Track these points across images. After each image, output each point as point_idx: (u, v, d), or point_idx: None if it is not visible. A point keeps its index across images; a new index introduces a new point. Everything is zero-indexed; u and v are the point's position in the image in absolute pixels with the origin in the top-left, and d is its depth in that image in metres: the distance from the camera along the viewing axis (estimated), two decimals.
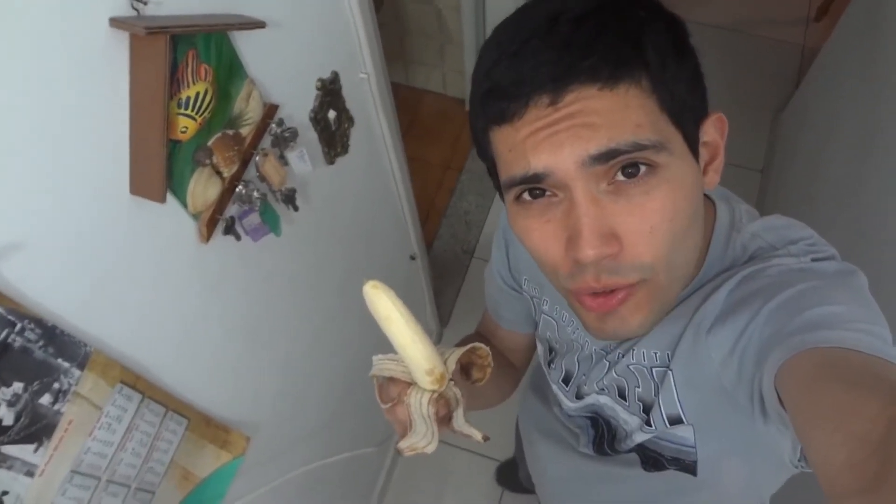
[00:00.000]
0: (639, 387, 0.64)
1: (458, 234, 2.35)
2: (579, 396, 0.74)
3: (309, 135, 0.95)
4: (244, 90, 0.74)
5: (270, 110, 0.80)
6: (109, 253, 0.62)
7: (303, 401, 1.17)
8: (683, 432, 0.62)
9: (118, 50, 0.56)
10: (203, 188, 0.70)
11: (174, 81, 0.61)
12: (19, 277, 0.53)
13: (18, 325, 0.52)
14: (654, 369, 0.61)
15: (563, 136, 0.45)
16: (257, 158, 0.79)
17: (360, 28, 1.02)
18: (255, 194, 0.79)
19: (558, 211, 0.49)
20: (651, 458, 0.69)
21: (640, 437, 0.67)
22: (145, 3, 0.57)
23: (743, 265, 0.57)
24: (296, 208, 0.91)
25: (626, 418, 0.68)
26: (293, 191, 0.89)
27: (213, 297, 0.81)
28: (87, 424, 0.62)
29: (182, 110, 0.63)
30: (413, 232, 1.59)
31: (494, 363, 0.53)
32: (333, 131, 1.01)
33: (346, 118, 1.05)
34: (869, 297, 0.51)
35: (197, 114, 0.65)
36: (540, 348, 0.83)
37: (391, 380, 0.49)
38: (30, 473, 0.57)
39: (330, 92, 0.97)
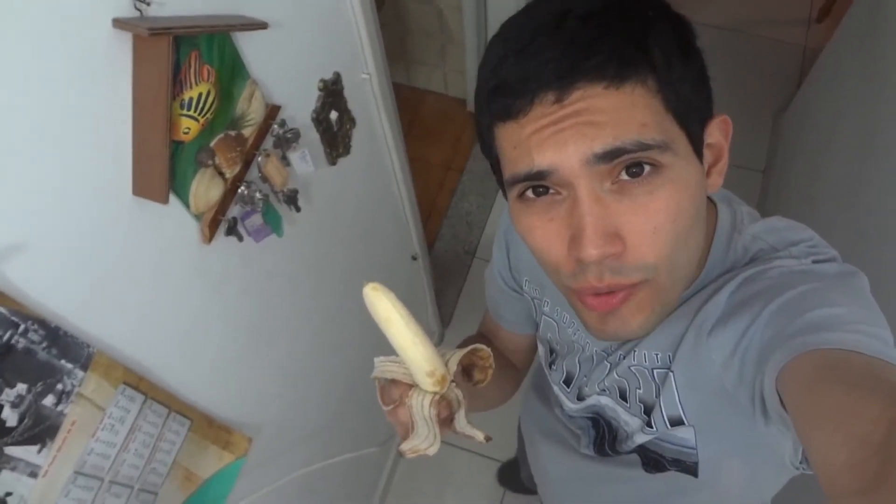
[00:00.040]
0: (640, 388, 0.64)
1: (459, 234, 2.35)
2: (580, 398, 0.74)
3: (311, 135, 0.95)
4: (246, 91, 0.74)
5: (272, 111, 0.81)
6: (112, 254, 0.62)
7: (304, 401, 1.17)
8: (684, 433, 0.62)
9: (121, 51, 0.57)
10: (205, 189, 0.70)
11: (177, 82, 0.61)
12: (22, 278, 0.53)
13: (22, 327, 0.53)
14: (655, 371, 0.62)
15: (568, 134, 0.45)
16: (259, 159, 0.79)
17: (361, 28, 1.02)
18: (258, 195, 0.79)
19: (562, 209, 0.49)
20: (652, 460, 0.69)
21: (641, 439, 0.67)
22: (148, 4, 0.57)
23: (744, 267, 0.57)
24: (298, 209, 0.91)
25: (628, 419, 0.68)
26: (295, 191, 0.89)
27: (216, 297, 0.81)
28: (90, 425, 0.62)
29: (185, 111, 0.63)
30: (414, 232, 1.59)
31: (496, 364, 0.53)
32: (335, 132, 1.02)
33: (347, 119, 1.05)
34: (870, 299, 0.51)
35: (199, 115, 0.65)
36: (541, 349, 0.83)
37: (393, 382, 0.49)
38: (33, 474, 0.57)
39: (332, 92, 0.97)
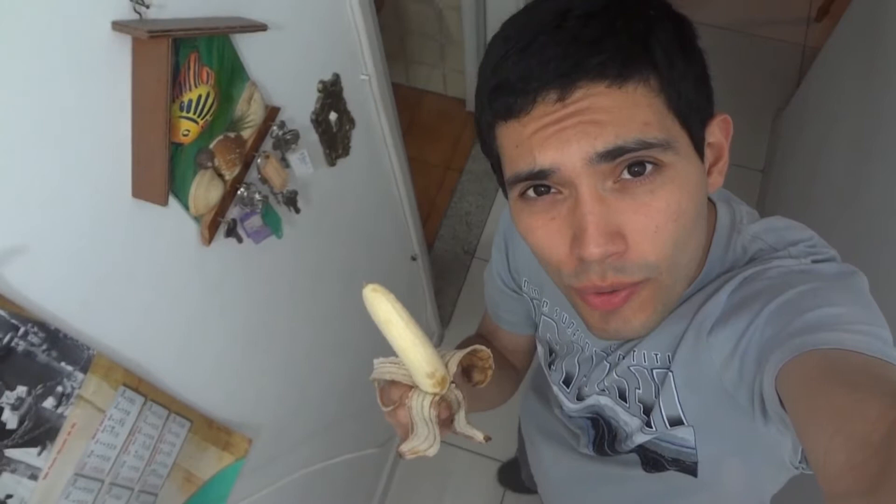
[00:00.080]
0: (639, 388, 0.64)
1: (458, 234, 2.35)
2: (580, 398, 0.74)
3: (310, 137, 0.95)
4: (246, 93, 0.74)
5: (272, 113, 0.81)
6: (112, 256, 0.62)
7: (304, 402, 1.17)
8: (684, 433, 0.63)
9: (120, 53, 0.57)
10: (205, 191, 0.70)
11: (176, 84, 0.61)
12: (22, 281, 0.53)
13: (22, 329, 0.53)
14: (654, 371, 0.62)
15: (570, 133, 0.45)
16: (259, 161, 0.79)
17: (361, 30, 1.02)
18: (257, 196, 0.79)
19: (563, 208, 0.49)
20: (651, 459, 0.69)
21: (640, 438, 0.67)
22: (147, 7, 0.57)
23: (743, 267, 0.57)
24: (297, 210, 0.91)
25: (627, 419, 0.68)
26: (294, 193, 0.89)
27: (215, 299, 0.81)
28: (90, 427, 0.62)
29: (184, 113, 0.63)
30: (414, 232, 1.59)
31: (495, 365, 0.53)
32: (335, 133, 1.02)
33: (347, 120, 1.05)
34: (869, 298, 0.51)
35: (199, 117, 0.65)
36: (540, 350, 0.83)
37: (392, 383, 0.49)
38: (33, 477, 0.57)
39: (331, 94, 0.97)
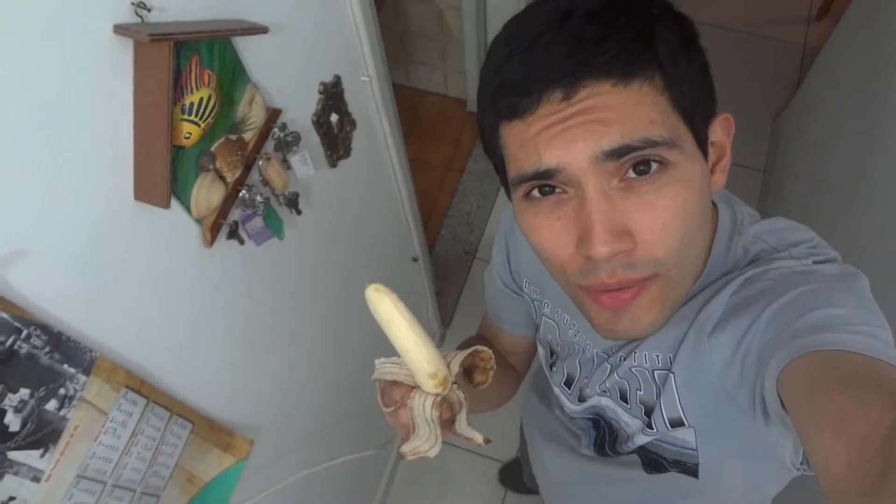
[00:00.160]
0: (640, 389, 0.64)
1: (460, 234, 2.35)
2: (581, 399, 0.74)
3: (311, 138, 0.96)
4: (247, 95, 0.74)
5: (273, 115, 0.81)
6: (114, 258, 0.63)
7: (305, 403, 1.17)
8: (685, 435, 0.63)
9: (122, 56, 0.57)
10: (206, 193, 0.70)
11: (178, 87, 0.61)
12: (25, 284, 0.53)
13: (24, 332, 0.53)
14: (655, 372, 0.62)
15: (576, 132, 0.45)
16: (260, 163, 0.79)
17: (361, 31, 1.02)
18: (259, 198, 0.79)
19: (568, 208, 0.49)
20: (652, 460, 0.69)
21: (641, 440, 0.67)
22: (149, 10, 0.57)
23: (745, 268, 0.57)
24: (298, 212, 0.91)
25: (628, 420, 0.68)
26: (296, 194, 0.89)
27: (217, 300, 0.81)
28: (92, 429, 0.63)
29: (186, 116, 0.63)
30: (415, 233, 1.59)
31: (496, 366, 0.53)
32: (336, 134, 1.02)
33: (348, 121, 1.05)
34: (870, 299, 0.51)
35: (200, 119, 0.65)
36: (541, 351, 0.83)
37: (394, 383, 0.49)
38: (36, 479, 0.57)
39: (332, 95, 0.97)
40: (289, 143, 0.85)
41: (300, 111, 0.90)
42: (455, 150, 2.52)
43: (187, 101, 0.63)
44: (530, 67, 0.46)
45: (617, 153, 0.45)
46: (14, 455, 0.54)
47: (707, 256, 0.58)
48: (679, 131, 0.47)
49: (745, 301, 0.53)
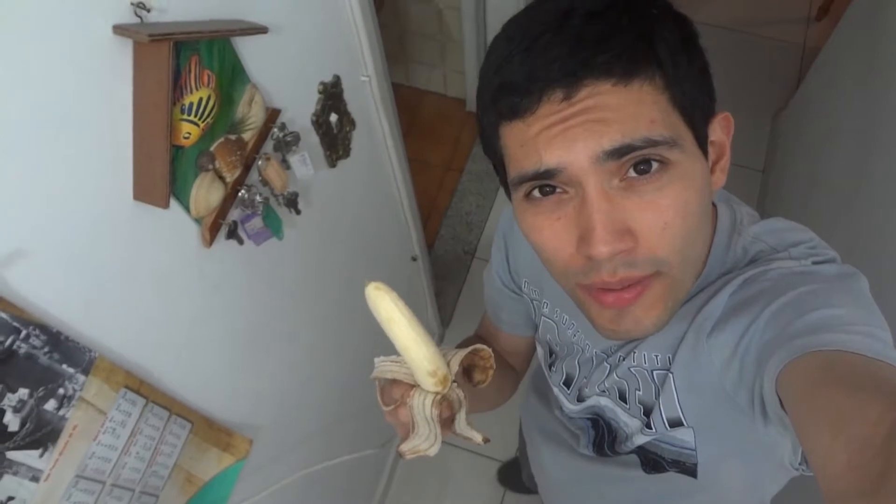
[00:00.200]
0: (639, 389, 0.64)
1: (459, 234, 2.35)
2: (580, 399, 0.74)
3: (311, 138, 0.96)
4: (246, 95, 0.74)
5: (272, 115, 0.81)
6: (113, 258, 0.63)
7: (304, 403, 1.17)
8: (684, 435, 0.63)
9: (122, 57, 0.57)
10: (206, 193, 0.70)
11: (177, 87, 0.61)
12: (24, 284, 0.53)
13: (23, 332, 0.53)
14: (654, 372, 0.62)
15: (576, 131, 0.45)
16: (259, 163, 0.79)
17: (361, 31, 1.02)
18: (258, 198, 0.79)
19: (569, 208, 0.49)
20: (651, 460, 0.69)
21: (640, 440, 0.67)
22: (148, 11, 0.57)
23: (744, 268, 0.57)
24: (298, 212, 0.91)
25: (627, 420, 0.68)
26: (295, 194, 0.89)
27: (216, 300, 0.81)
28: (91, 429, 0.63)
29: (185, 116, 0.63)
30: (414, 233, 1.59)
31: (495, 365, 0.53)
32: (335, 134, 1.02)
33: (347, 121, 1.05)
34: (870, 300, 0.51)
35: (200, 119, 0.65)
36: (540, 351, 0.83)
37: (394, 382, 0.49)
38: (35, 479, 0.57)
39: (331, 95, 0.97)
40: (288, 143, 0.85)
41: (299, 111, 0.90)
42: (454, 150, 2.52)
43: (187, 102, 0.63)
44: (530, 67, 0.46)
45: (618, 153, 0.45)
46: (13, 455, 0.54)
47: (707, 256, 0.58)
48: (679, 130, 0.47)
49: (744, 301, 0.53)
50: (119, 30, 0.55)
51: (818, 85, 2.06)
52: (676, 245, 0.48)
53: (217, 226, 0.75)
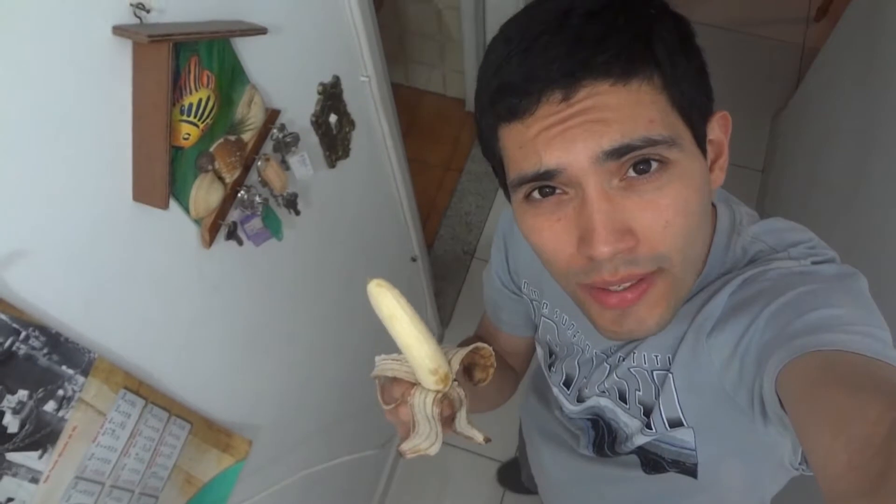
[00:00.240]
0: (639, 390, 0.64)
1: (458, 234, 2.35)
2: (580, 399, 0.74)
3: (310, 139, 0.96)
4: (246, 96, 0.74)
5: (272, 115, 0.81)
6: (112, 259, 0.63)
7: (304, 404, 1.17)
8: (684, 435, 0.63)
9: (121, 58, 0.57)
10: (205, 194, 0.70)
11: (177, 88, 0.61)
12: (23, 285, 0.53)
13: (23, 333, 0.53)
14: (654, 372, 0.62)
15: (576, 132, 0.45)
16: (259, 163, 0.79)
17: (360, 31, 1.02)
18: (257, 199, 0.79)
19: (569, 208, 0.49)
20: (651, 461, 0.69)
21: (640, 440, 0.67)
22: (148, 12, 0.57)
23: (743, 268, 0.57)
24: (297, 212, 0.91)
25: (627, 421, 0.68)
26: (295, 195, 0.89)
27: (215, 301, 0.81)
28: (91, 431, 0.62)
29: (185, 117, 0.63)
30: (414, 233, 1.59)
31: (495, 365, 0.53)
32: (335, 135, 1.02)
33: (347, 122, 1.05)
34: (869, 300, 0.51)
35: (199, 120, 0.65)
36: (540, 351, 0.83)
37: (394, 380, 0.49)
38: (34, 480, 0.57)
39: (331, 96, 0.97)
40: (287, 144, 0.85)
41: (299, 112, 0.90)
42: (454, 150, 2.52)
43: (186, 102, 0.63)
44: (529, 68, 0.46)
45: (617, 153, 0.45)
46: (12, 456, 0.54)
47: (707, 256, 0.58)
48: (678, 130, 0.47)
49: (743, 301, 0.53)
50: (119, 30, 0.55)
51: (817, 85, 2.06)
52: (678, 243, 0.48)
53: (216, 226, 0.75)
